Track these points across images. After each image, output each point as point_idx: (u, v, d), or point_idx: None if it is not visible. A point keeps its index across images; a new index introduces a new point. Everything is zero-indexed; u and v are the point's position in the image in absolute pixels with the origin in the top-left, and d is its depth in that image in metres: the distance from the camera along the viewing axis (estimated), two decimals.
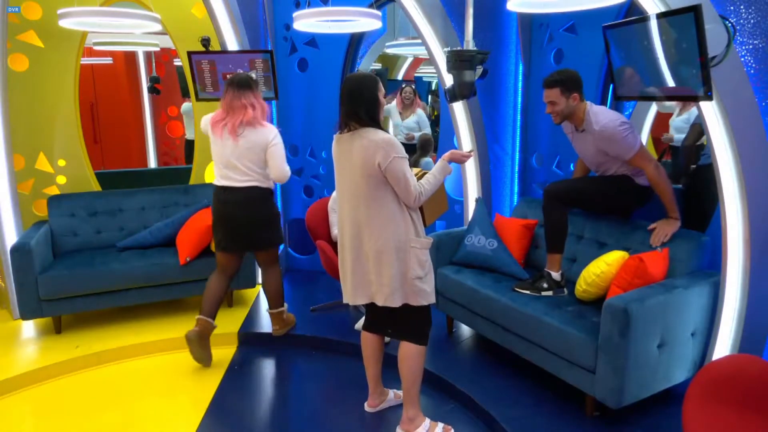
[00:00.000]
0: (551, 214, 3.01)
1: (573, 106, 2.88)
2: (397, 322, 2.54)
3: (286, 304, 3.56)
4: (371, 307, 2.60)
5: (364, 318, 2.74)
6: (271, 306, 3.51)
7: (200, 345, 3.27)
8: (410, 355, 2.53)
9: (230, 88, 3.12)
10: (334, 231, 3.63)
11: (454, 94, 2.97)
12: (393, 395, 2.87)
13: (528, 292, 2.98)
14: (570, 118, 2.94)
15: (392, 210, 2.38)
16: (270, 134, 3.18)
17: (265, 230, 3.32)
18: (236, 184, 3.19)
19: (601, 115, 2.84)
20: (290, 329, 3.64)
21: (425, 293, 2.46)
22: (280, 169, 3.22)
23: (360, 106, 2.36)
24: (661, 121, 5.44)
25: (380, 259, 2.39)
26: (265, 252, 3.42)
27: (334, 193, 3.94)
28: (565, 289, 3.02)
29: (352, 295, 2.53)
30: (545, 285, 2.98)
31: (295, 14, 3.64)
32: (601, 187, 3.07)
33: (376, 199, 2.36)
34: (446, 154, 2.57)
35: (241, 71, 3.71)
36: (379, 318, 2.61)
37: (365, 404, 2.84)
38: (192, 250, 3.80)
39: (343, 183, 2.48)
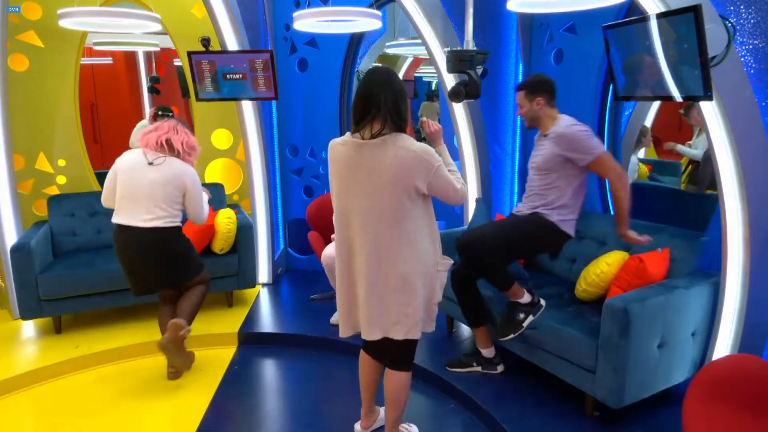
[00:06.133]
0: (462, 296, 2.89)
1: (536, 110, 2.82)
2: (399, 351, 2.28)
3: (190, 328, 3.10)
4: None
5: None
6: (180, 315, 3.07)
7: (177, 352, 3.05)
8: (404, 384, 2.32)
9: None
10: None
11: (461, 93, 2.94)
12: (384, 413, 2.59)
13: (512, 335, 2.79)
14: (538, 123, 2.87)
15: (421, 229, 2.11)
16: (189, 170, 3.01)
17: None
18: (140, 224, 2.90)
19: (567, 121, 2.78)
20: (181, 363, 3.13)
21: (435, 318, 2.27)
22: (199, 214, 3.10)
23: (403, 103, 2.04)
24: (663, 122, 5.45)
25: (406, 287, 2.10)
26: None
27: None
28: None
29: (367, 331, 2.21)
30: (521, 315, 2.80)
31: (295, 14, 3.64)
32: (517, 234, 2.81)
33: (406, 218, 2.06)
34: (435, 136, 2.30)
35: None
36: (381, 346, 2.30)
37: (357, 425, 2.60)
38: None
39: (356, 197, 2.11)
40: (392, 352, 2.30)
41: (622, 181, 2.67)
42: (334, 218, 2.24)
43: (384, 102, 2.00)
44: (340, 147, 2.13)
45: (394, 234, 2.07)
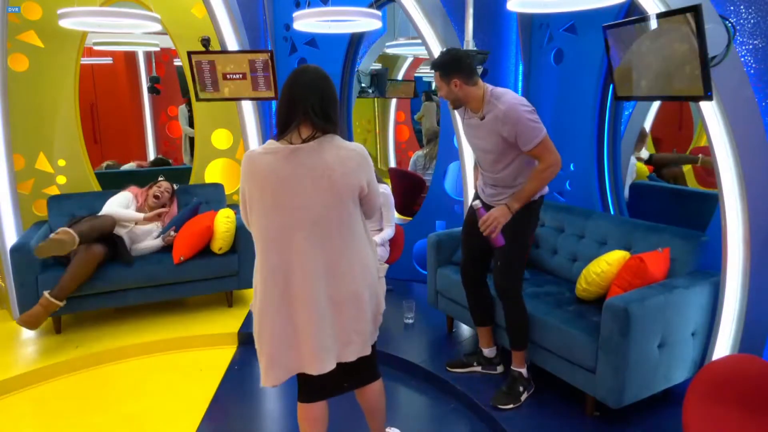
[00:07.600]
0: (471, 293, 2.81)
1: (456, 92, 2.51)
2: (358, 368, 2.07)
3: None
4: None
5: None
6: None
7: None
8: (381, 390, 2.22)
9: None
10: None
11: None
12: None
13: (511, 405, 2.67)
14: (466, 103, 2.57)
15: (363, 237, 1.95)
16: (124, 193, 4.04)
17: None
18: None
19: (508, 96, 2.48)
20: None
21: (378, 327, 2.11)
22: None
23: (331, 106, 1.87)
24: (663, 121, 5.45)
25: (357, 303, 1.92)
26: None
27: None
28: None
29: (319, 363, 1.90)
30: (521, 388, 2.73)
31: (295, 14, 3.64)
32: (518, 235, 2.64)
33: (351, 226, 1.89)
34: None
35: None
36: (333, 376, 1.99)
37: None
38: (187, 250, 3.78)
39: (295, 210, 1.84)
40: (355, 374, 2.12)
41: (555, 169, 2.50)
42: (260, 244, 1.95)
43: (312, 107, 1.81)
44: (266, 157, 1.82)
45: (342, 244, 1.88)
